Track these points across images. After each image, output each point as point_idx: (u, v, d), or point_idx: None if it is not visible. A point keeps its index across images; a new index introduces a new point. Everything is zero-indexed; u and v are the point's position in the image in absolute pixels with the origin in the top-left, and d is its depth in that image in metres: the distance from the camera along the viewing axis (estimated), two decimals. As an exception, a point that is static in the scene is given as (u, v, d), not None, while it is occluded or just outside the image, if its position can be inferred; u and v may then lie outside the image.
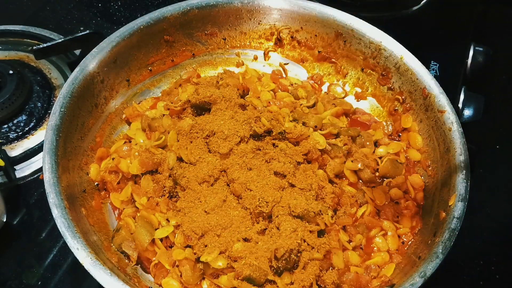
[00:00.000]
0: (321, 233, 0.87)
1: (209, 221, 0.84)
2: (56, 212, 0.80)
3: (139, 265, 0.87)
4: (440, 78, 1.03)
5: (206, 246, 0.82)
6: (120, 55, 1.04)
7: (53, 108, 0.91)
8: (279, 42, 1.18)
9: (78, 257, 0.76)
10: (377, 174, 0.98)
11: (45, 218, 1.00)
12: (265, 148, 0.94)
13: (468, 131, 0.95)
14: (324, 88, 1.17)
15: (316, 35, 1.15)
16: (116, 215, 0.94)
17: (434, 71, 1.17)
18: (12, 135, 1.10)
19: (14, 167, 1.06)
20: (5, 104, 1.09)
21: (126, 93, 1.08)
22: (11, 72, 1.13)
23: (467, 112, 1.08)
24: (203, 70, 1.18)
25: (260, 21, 1.16)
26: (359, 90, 1.15)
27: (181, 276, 0.82)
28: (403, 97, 1.06)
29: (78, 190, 0.90)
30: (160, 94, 1.12)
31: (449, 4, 1.27)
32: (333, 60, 1.16)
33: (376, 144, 1.05)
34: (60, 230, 0.78)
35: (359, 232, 0.91)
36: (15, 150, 1.08)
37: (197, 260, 0.82)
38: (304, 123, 1.00)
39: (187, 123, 0.95)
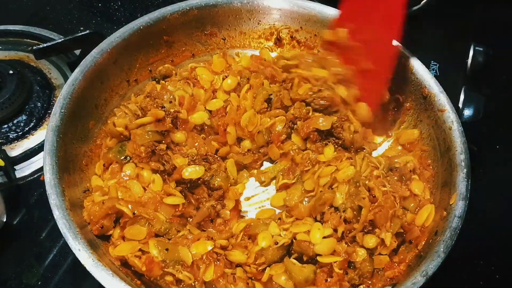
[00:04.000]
0: None
1: None
2: (57, 213, 0.80)
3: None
4: (440, 78, 1.02)
5: None
6: (120, 55, 1.04)
7: (53, 109, 0.91)
8: (278, 42, 1.18)
9: (80, 259, 0.76)
10: None
11: (45, 218, 1.00)
12: None
13: (468, 131, 0.95)
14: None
15: (315, 35, 1.15)
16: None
17: (434, 71, 1.17)
18: (12, 135, 1.10)
19: (14, 167, 1.06)
20: (5, 104, 1.09)
21: (126, 93, 1.08)
22: (11, 72, 1.13)
23: (467, 112, 1.08)
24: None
25: (260, 21, 1.16)
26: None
27: None
28: (403, 97, 1.06)
29: (79, 191, 0.90)
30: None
31: (449, 4, 1.26)
32: (332, 59, 1.16)
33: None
34: (62, 232, 0.78)
35: None
36: (15, 150, 1.08)
37: None
38: None
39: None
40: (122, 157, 0.95)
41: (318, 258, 0.84)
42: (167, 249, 0.82)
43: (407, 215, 0.90)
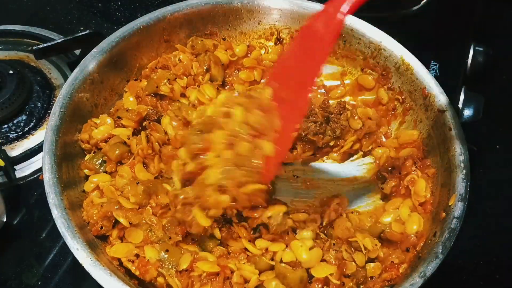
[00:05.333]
0: None
1: None
2: (56, 213, 0.80)
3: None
4: (440, 78, 1.02)
5: None
6: (120, 55, 1.04)
7: (53, 109, 0.91)
8: (279, 42, 1.18)
9: (78, 258, 0.76)
10: None
11: (45, 218, 0.99)
12: None
13: (468, 131, 0.95)
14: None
15: (315, 35, 1.15)
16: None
17: (434, 71, 1.16)
18: (12, 135, 1.10)
19: (14, 167, 1.06)
20: (5, 104, 1.09)
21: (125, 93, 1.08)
22: (11, 72, 1.13)
23: (467, 112, 1.08)
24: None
25: (260, 21, 1.16)
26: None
27: None
28: (403, 97, 1.06)
29: (78, 191, 0.91)
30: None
31: (449, 4, 1.26)
32: (332, 60, 1.16)
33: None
34: (60, 231, 0.78)
35: None
36: (15, 150, 1.08)
37: None
38: None
39: None
40: (97, 166, 0.94)
41: (313, 272, 0.82)
42: (167, 250, 0.82)
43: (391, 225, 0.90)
